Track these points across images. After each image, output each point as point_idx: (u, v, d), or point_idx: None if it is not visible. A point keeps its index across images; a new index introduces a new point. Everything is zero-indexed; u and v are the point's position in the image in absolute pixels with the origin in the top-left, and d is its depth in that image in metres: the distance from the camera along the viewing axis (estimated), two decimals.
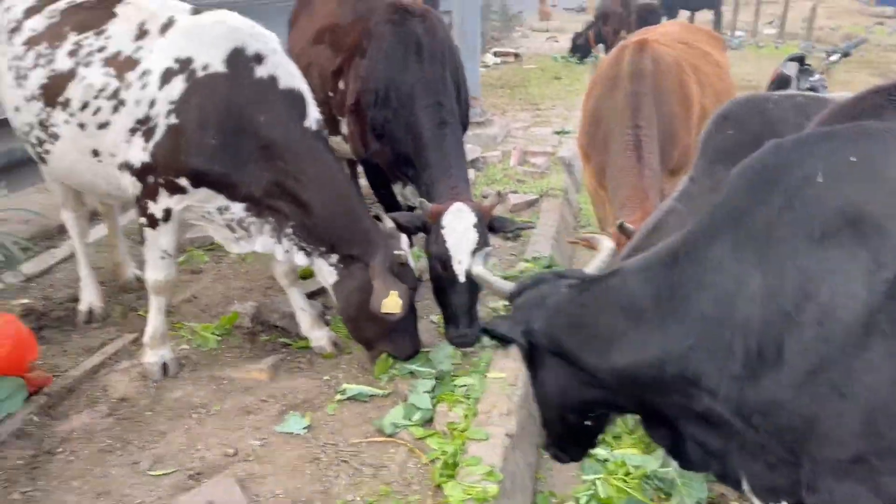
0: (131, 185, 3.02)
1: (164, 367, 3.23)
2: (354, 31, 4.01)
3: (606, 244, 2.36)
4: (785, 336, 1.56)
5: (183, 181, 2.95)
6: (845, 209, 1.54)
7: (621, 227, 3.19)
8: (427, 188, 3.68)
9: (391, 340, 3.19)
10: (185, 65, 2.93)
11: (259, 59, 2.99)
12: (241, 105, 2.93)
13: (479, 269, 2.48)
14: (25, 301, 3.93)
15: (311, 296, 3.82)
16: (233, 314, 3.69)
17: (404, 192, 4.18)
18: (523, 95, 10.14)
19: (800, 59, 4.91)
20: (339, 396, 3.12)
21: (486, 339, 3.49)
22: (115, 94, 2.97)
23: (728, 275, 1.67)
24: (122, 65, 3.00)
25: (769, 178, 1.68)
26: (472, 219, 3.31)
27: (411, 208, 3.96)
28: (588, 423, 2.14)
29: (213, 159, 2.93)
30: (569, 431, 2.18)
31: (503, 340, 2.13)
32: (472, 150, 6.66)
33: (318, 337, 3.48)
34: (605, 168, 3.74)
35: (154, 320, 3.22)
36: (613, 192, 3.58)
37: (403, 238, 3.19)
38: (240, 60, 2.95)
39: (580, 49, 12.90)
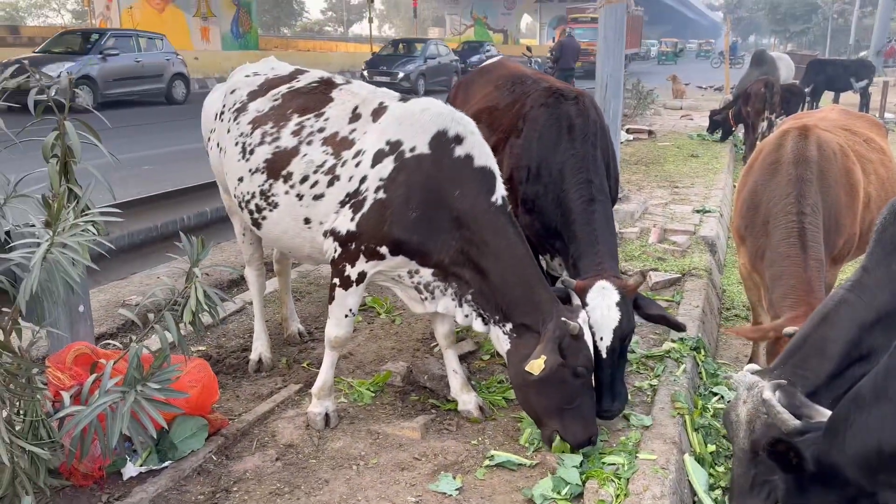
0: (332, 250, 3.34)
1: (327, 417, 3.45)
2: (511, 112, 4.25)
3: None
4: None
5: (383, 249, 3.25)
6: None
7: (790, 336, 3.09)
8: (574, 262, 3.74)
9: (562, 421, 3.16)
10: (394, 147, 3.26)
11: (459, 140, 3.28)
12: (441, 181, 3.22)
13: (768, 396, 2.48)
14: (202, 348, 4.35)
15: (460, 360, 3.96)
16: (386, 373, 3.90)
17: (552, 265, 4.29)
18: (659, 172, 10.11)
19: None
20: (487, 462, 3.19)
21: (633, 419, 3.48)
22: (331, 170, 3.33)
23: None
24: (338, 144, 3.37)
25: None
26: (616, 297, 3.32)
27: (554, 279, 4.05)
28: None
29: (413, 230, 3.21)
30: None
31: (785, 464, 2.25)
32: None
33: (467, 401, 3.60)
34: (764, 253, 3.68)
35: (325, 373, 3.48)
36: (774, 279, 3.51)
37: (583, 313, 3.24)
38: (442, 142, 3.26)
39: (719, 126, 12.73)
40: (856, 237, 3.92)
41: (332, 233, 3.31)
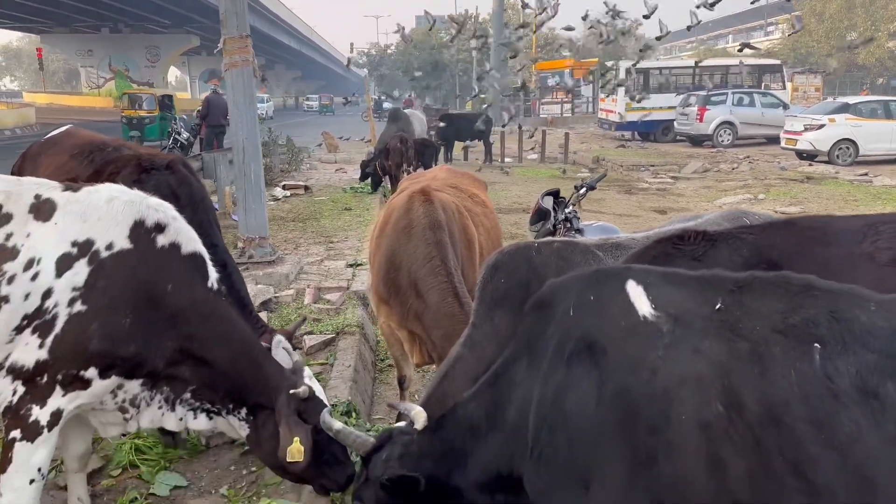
0: (10, 392, 2.61)
1: None
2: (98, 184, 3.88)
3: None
4: (542, 433, 2.03)
5: (90, 372, 2.66)
6: (584, 336, 2.01)
7: None
8: None
9: (322, 474, 3.08)
10: (85, 247, 2.68)
11: (160, 228, 2.85)
12: (150, 278, 2.78)
13: (337, 426, 2.61)
14: None
15: None
16: None
17: None
18: (316, 228, 10.25)
19: (555, 194, 5.53)
20: None
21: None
22: None
23: (523, 389, 2.15)
24: None
25: (546, 312, 2.16)
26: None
27: None
28: None
29: (130, 340, 2.70)
30: None
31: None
32: (263, 290, 6.53)
33: None
34: (420, 313, 3.85)
35: None
36: (445, 338, 3.65)
37: (306, 371, 3.15)
38: (142, 233, 2.80)
39: (370, 177, 13.45)
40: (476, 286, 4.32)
41: (11, 369, 2.58)
